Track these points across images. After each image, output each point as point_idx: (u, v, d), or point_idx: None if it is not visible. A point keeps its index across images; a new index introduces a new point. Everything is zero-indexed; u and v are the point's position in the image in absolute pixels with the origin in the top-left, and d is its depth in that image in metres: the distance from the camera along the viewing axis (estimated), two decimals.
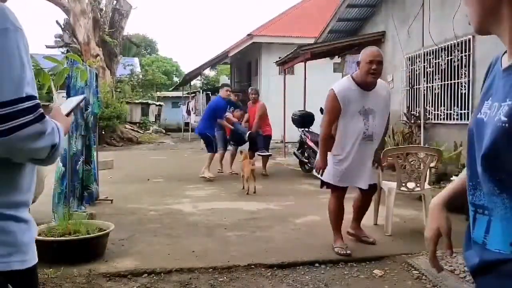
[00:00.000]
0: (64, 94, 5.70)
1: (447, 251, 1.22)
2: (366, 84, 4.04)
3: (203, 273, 3.65)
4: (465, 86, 7.56)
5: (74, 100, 1.57)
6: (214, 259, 3.95)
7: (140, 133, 21.44)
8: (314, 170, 4.47)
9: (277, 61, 13.16)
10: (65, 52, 21.17)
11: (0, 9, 1.18)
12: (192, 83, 23.62)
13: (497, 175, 0.96)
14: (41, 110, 1.16)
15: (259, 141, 9.01)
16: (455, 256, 3.89)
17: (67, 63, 4.42)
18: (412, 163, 4.79)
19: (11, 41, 1.16)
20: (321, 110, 8.47)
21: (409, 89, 9.36)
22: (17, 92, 1.13)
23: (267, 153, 9.16)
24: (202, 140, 9.65)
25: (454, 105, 7.91)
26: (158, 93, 33.85)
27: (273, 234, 4.82)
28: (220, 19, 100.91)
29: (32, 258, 1.25)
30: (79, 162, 5.41)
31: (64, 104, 1.52)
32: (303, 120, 9.16)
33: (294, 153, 9.85)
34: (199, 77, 23.99)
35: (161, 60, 40.75)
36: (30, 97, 1.15)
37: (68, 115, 1.44)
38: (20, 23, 1.21)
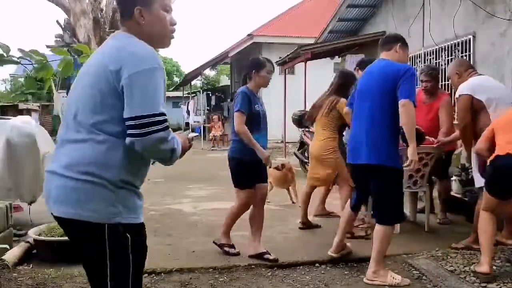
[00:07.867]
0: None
1: None
2: None
3: (203, 273, 3.66)
4: None
5: (191, 134, 2.09)
6: (214, 259, 3.95)
7: None
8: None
9: (277, 61, 13.13)
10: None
11: (152, 52, 1.75)
12: (192, 83, 23.56)
13: None
14: (167, 123, 1.68)
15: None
16: (455, 256, 3.90)
17: (71, 54, 4.42)
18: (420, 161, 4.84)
19: (158, 77, 1.71)
20: None
21: None
22: (155, 109, 1.65)
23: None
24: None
25: (454, 105, 7.87)
26: None
27: (273, 234, 4.82)
28: (220, 19, 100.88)
29: (140, 218, 1.78)
30: None
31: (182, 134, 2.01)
32: (303, 120, 9.15)
33: (294, 153, 9.85)
34: (199, 77, 23.95)
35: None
36: (162, 114, 1.67)
37: (189, 141, 1.95)
38: (162, 63, 1.76)
